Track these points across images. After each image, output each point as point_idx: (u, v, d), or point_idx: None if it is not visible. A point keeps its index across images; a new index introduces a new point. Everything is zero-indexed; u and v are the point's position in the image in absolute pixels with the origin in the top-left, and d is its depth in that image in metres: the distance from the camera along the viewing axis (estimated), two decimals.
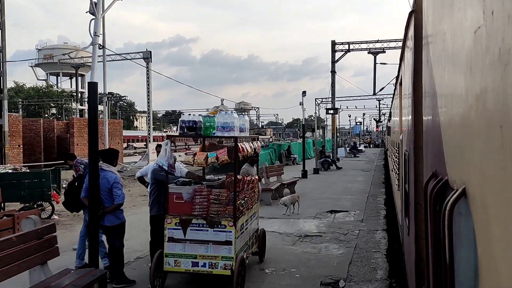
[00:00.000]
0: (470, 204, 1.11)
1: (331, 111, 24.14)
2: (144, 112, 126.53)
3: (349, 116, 64.65)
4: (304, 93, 19.95)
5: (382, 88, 29.69)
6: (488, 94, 0.90)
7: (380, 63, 30.38)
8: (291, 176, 18.68)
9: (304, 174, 19.45)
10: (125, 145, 65.07)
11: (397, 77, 7.23)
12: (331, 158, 25.00)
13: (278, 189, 13.39)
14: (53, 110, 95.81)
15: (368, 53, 30.55)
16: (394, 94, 10.91)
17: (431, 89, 2.00)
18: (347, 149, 38.04)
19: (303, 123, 20.72)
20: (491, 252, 0.89)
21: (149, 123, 34.09)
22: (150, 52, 32.95)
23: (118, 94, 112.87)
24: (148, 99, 34.31)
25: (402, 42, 4.70)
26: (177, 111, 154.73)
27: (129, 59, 34.88)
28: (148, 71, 34.47)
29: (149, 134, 34.38)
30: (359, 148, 44.92)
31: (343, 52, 30.34)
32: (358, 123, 64.44)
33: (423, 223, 2.95)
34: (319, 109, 44.86)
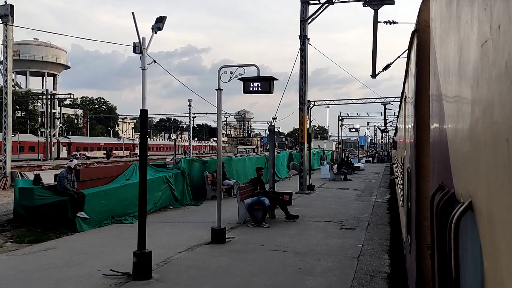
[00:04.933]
0: (476, 218, 1.11)
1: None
2: (134, 118, 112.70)
3: (341, 121, 50.11)
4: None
5: (387, 66, 16.21)
6: (495, 107, 0.91)
7: (384, 22, 16.65)
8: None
9: (138, 270, 5.40)
10: (77, 153, 51.59)
11: (402, 93, 7.21)
12: (274, 192, 11.02)
13: None
14: (19, 113, 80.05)
15: (365, 5, 16.71)
16: (399, 109, 10.62)
17: (438, 102, 2.00)
18: (333, 168, 23.63)
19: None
20: (497, 266, 0.89)
21: (5, 122, 20.29)
22: (11, 6, 18.57)
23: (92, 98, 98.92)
24: (6, 81, 20.74)
25: (406, 58, 4.75)
26: (172, 118, 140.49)
27: None
28: (6, 36, 20.77)
29: (4, 139, 20.69)
30: (355, 165, 30.43)
31: (320, 5, 16.09)
32: (353, 130, 50.52)
33: (425, 243, 3.02)
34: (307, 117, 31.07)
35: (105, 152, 57.63)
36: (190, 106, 51.80)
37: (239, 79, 8.67)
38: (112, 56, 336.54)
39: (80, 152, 55.31)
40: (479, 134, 1.07)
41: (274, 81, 8.75)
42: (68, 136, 61.51)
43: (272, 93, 8.74)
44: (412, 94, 3.79)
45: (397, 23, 17.61)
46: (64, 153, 55.04)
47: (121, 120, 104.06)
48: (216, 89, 8.85)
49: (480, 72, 1.05)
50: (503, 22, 0.83)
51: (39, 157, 48.75)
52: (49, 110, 70.46)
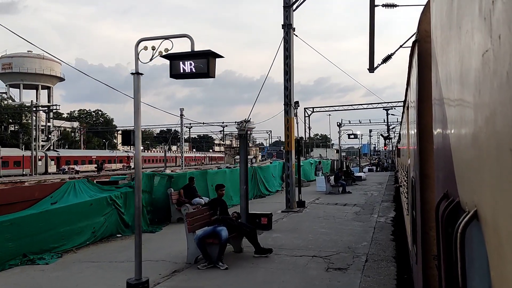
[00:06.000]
0: (482, 227, 1.09)
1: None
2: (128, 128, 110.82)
3: (339, 126, 46.49)
4: None
5: (388, 58, 12.99)
6: (497, 117, 0.91)
7: (382, 5, 13.79)
8: None
9: None
10: (66, 167, 48.80)
11: (404, 101, 7.23)
12: (247, 215, 8.13)
13: None
14: (13, 127, 77.76)
15: None
16: (402, 117, 10.54)
17: (441, 111, 2.00)
18: (330, 179, 20.59)
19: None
20: (504, 276, 0.88)
21: None
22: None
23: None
24: None
25: (407, 69, 4.69)
26: (172, 129, 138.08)
27: None
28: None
29: None
30: (355, 175, 27.38)
31: None
32: (352, 136, 47.07)
33: (431, 253, 3.03)
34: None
35: (96, 165, 54.72)
36: (181, 115, 49.22)
37: (163, 56, 5.76)
38: (115, 69, 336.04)
39: (69, 166, 52.51)
40: (482, 143, 1.08)
41: (218, 58, 5.79)
42: (57, 150, 58.76)
43: (213, 77, 5.83)
44: (414, 103, 3.80)
45: (398, 6, 14.67)
46: (52, 167, 52.30)
47: (119, 132, 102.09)
48: (132, 73, 5.95)
49: (481, 82, 1.05)
50: (503, 32, 0.85)
51: (24, 172, 45.94)
52: (40, 123, 67.95)
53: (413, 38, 3.58)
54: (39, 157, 49.48)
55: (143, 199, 12.92)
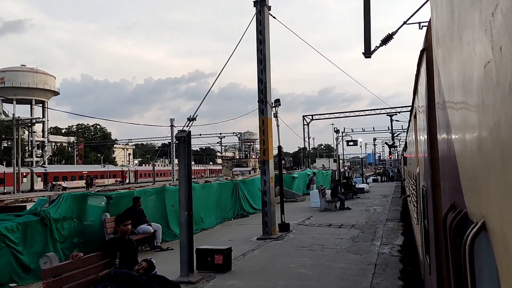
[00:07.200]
0: (490, 238, 1.07)
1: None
2: (135, 144, 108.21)
3: (337, 133, 42.58)
4: None
5: (389, 38, 9.34)
6: (501, 128, 0.91)
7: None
8: None
9: None
10: (54, 183, 45.78)
11: (411, 109, 7.21)
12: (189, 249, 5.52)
13: None
14: (6, 143, 74.83)
15: None
16: (409, 125, 10.39)
17: (445, 120, 2.01)
18: (326, 193, 17.24)
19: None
20: None
21: None
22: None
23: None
24: None
25: (415, 76, 4.66)
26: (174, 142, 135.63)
27: None
28: None
29: None
30: (358, 186, 24.05)
31: None
32: (351, 143, 43.34)
33: (445, 264, 2.90)
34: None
35: (86, 181, 51.56)
36: (172, 126, 46.22)
37: None
38: (121, 84, 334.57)
39: (57, 183, 49.39)
40: (488, 154, 1.06)
41: None
42: (44, 166, 55.68)
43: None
44: (423, 109, 3.80)
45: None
46: (39, 184, 49.15)
47: (119, 146, 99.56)
48: None
49: (484, 92, 1.04)
50: (504, 44, 0.84)
51: (6, 190, 42.74)
52: (35, 138, 65.36)
53: (421, 46, 3.61)
54: (24, 174, 46.37)
55: (66, 228, 9.67)
